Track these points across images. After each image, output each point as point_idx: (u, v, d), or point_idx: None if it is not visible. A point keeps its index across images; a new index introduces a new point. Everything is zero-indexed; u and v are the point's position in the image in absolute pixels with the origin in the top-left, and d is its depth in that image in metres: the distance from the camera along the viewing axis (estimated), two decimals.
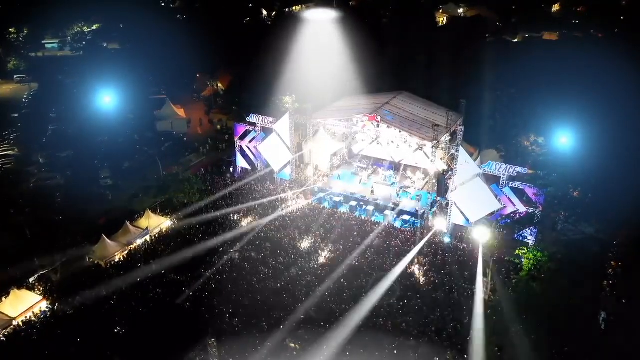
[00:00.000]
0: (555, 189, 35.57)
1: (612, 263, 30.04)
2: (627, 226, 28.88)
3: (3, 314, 31.96)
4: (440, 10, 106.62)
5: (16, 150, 57.12)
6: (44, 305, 33.42)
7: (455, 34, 77.15)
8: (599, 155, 34.03)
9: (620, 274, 29.43)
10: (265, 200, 44.69)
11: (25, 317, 32.36)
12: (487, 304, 31.70)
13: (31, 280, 35.40)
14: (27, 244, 38.10)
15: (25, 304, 32.78)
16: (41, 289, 34.92)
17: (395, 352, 28.93)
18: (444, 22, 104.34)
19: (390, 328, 30.52)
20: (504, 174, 37.91)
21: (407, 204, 44.04)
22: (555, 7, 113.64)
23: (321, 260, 37.21)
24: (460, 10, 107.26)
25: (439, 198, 43.03)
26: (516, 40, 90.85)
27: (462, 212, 39.99)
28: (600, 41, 79.88)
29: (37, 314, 32.69)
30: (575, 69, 52.44)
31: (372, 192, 46.26)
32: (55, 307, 33.06)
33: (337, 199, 45.60)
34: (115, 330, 30.92)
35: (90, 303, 32.79)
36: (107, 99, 59.47)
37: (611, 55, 53.77)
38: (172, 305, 32.71)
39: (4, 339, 30.87)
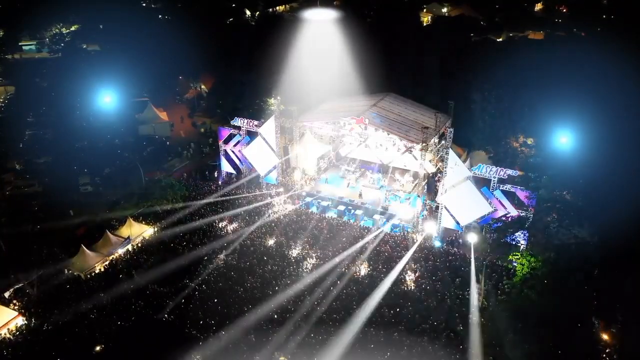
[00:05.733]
0: (546, 192, 35.08)
1: (606, 267, 29.47)
2: (621, 229, 28.27)
3: None
4: (424, 10, 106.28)
5: None
6: (20, 321, 31.89)
7: (440, 33, 76.60)
8: (591, 156, 33.58)
9: (614, 278, 28.87)
10: (251, 206, 43.59)
11: (0, 334, 30.76)
12: (481, 311, 31.02)
13: (6, 294, 33.79)
14: (1, 256, 36.40)
15: None
16: (17, 304, 33.39)
17: None
18: (429, 21, 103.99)
19: (382, 338, 29.66)
20: (494, 177, 37.34)
21: (396, 208, 43.27)
22: (538, 6, 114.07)
23: (310, 268, 36.24)
24: (444, 10, 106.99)
25: (428, 201, 42.41)
26: (500, 39, 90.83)
27: (452, 216, 39.39)
28: (585, 40, 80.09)
29: (12, 330, 31.15)
30: (562, 69, 52.16)
31: (360, 195, 45.45)
32: (32, 323, 31.60)
33: (325, 203, 44.71)
34: (97, 348, 29.56)
35: (69, 318, 31.43)
36: (107, 99, 57.71)
37: (596, 54, 53.68)
38: (155, 318, 31.47)
39: None
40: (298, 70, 56.12)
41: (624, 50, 50.37)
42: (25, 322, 31.82)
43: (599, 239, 30.41)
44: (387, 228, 41.14)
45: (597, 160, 32.75)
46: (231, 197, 45.58)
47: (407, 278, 35.23)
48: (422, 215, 41.76)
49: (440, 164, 39.89)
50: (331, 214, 43.47)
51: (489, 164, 40.08)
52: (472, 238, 36.12)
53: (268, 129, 45.97)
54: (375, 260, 36.87)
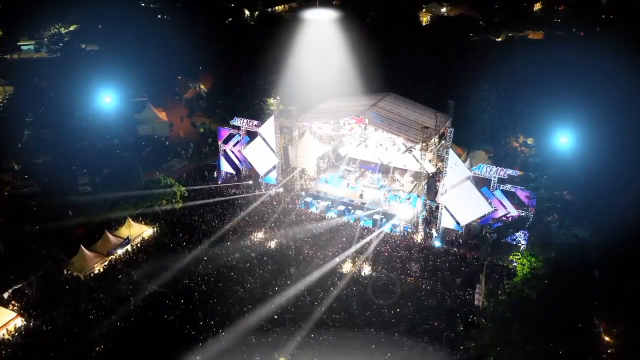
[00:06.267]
0: (546, 191, 35.02)
1: (607, 267, 29.39)
2: (622, 229, 28.18)
3: None
4: (423, 10, 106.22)
5: None
6: (19, 322, 31.79)
7: (440, 33, 76.49)
8: (591, 155, 33.54)
9: (615, 278, 28.78)
10: (250, 206, 43.44)
11: None
12: (481, 312, 30.94)
13: (5, 295, 33.65)
14: (0, 257, 36.19)
15: None
16: (16, 304, 33.24)
17: None
18: (428, 21, 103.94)
19: (383, 338, 29.57)
20: (494, 177, 37.25)
21: (396, 208, 43.17)
22: (537, 6, 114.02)
23: (310, 268, 36.07)
24: (443, 10, 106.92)
25: (428, 201, 42.30)
26: (500, 39, 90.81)
27: (452, 216, 39.29)
28: (584, 40, 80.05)
29: (11, 331, 31.07)
30: (562, 69, 52.08)
31: (362, 195, 45.32)
32: (31, 324, 31.48)
33: (324, 203, 44.59)
34: (96, 349, 29.42)
35: (68, 319, 31.35)
36: (107, 99, 57.66)
37: (595, 54, 53.65)
38: (154, 319, 31.34)
39: None
40: (297, 70, 56.06)
41: (623, 50, 50.34)
42: (24, 323, 31.69)
43: (600, 239, 30.31)
44: (387, 228, 41.05)
45: (597, 159, 32.69)
46: (230, 197, 45.46)
47: (408, 278, 35.13)
48: (422, 215, 41.65)
49: (440, 164, 39.77)
50: (331, 214, 43.36)
51: (488, 164, 40.03)
52: (473, 238, 36.04)
53: (267, 129, 45.84)
54: (375, 260, 36.77)
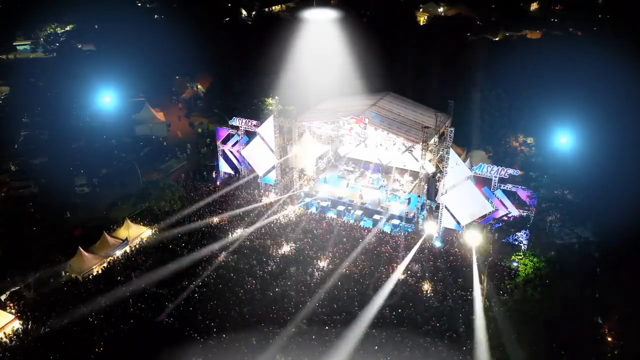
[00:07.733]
0: (547, 191, 34.93)
1: (609, 267, 29.29)
2: (624, 228, 28.09)
3: None
4: (421, 9, 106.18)
5: None
6: (16, 324, 31.44)
7: (438, 32, 76.49)
8: (592, 154, 33.49)
9: (617, 278, 28.69)
10: (250, 206, 43.19)
11: None
12: (483, 312, 30.76)
13: (2, 298, 33.33)
14: None
15: None
16: (14, 307, 32.88)
17: None
18: (425, 21, 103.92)
19: (385, 339, 29.37)
20: (495, 176, 37.10)
21: (396, 208, 42.99)
22: (534, 6, 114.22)
23: (310, 269, 35.88)
24: (440, 9, 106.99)
25: (428, 201, 42.12)
26: (497, 38, 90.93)
27: (453, 216, 39.15)
28: (581, 39, 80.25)
29: (9, 334, 30.71)
30: (561, 68, 52.16)
31: (361, 196, 45.11)
32: (29, 327, 31.10)
33: (324, 203, 44.37)
34: (95, 351, 29.12)
35: (66, 321, 30.92)
36: (107, 99, 57.45)
37: (594, 53, 53.74)
38: (154, 321, 31.03)
39: None
40: (296, 70, 55.87)
41: (621, 49, 50.41)
42: (22, 325, 31.33)
43: (602, 238, 30.23)
44: (387, 228, 40.87)
45: (598, 158, 32.63)
46: (230, 198, 45.18)
47: (409, 279, 34.94)
48: (422, 215, 41.50)
49: (440, 163, 39.63)
50: (331, 214, 43.15)
51: (488, 163, 39.91)
52: (473, 238, 35.84)
53: (266, 128, 45.60)
54: (376, 261, 36.57)
